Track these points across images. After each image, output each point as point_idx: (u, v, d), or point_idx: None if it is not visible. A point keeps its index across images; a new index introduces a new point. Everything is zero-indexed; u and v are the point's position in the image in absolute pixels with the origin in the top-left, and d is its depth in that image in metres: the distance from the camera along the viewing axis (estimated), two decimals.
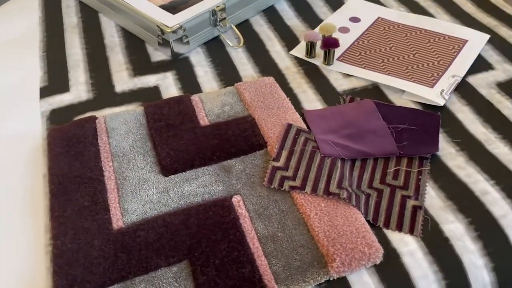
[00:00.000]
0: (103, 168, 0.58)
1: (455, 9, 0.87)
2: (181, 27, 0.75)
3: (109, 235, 0.51)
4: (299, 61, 0.77)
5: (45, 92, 0.72)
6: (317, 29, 0.80)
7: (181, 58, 0.78)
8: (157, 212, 0.54)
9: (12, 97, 0.71)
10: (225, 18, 0.80)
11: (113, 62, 0.77)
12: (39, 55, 0.79)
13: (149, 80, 0.74)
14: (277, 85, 0.70)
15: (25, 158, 0.62)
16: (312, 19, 0.86)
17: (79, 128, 0.63)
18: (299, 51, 0.79)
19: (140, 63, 0.77)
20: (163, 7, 0.79)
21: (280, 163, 0.58)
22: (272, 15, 0.87)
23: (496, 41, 0.79)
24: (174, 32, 0.74)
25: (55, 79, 0.74)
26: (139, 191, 0.56)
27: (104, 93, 0.72)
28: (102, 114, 0.68)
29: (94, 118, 0.65)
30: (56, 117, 0.68)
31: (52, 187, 0.56)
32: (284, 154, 0.59)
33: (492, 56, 0.77)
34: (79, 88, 0.72)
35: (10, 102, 0.71)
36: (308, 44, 0.76)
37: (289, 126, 0.63)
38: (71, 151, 0.60)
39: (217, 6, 0.78)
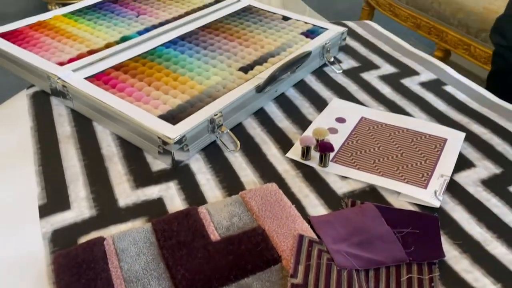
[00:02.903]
0: None
1: (428, 107, 0.95)
2: (183, 137, 0.77)
3: None
4: (295, 164, 0.80)
5: (45, 211, 0.70)
6: (310, 133, 0.85)
7: (181, 166, 0.79)
8: None
9: (9, 217, 0.69)
10: (222, 125, 0.83)
11: (113, 173, 0.77)
12: (34, 169, 0.77)
13: (152, 192, 0.74)
14: (281, 192, 0.72)
15: (28, 286, 0.59)
16: (300, 121, 0.91)
17: (88, 252, 0.61)
18: (295, 153, 0.83)
19: (141, 173, 0.77)
20: (162, 117, 0.81)
21: (298, 279, 0.58)
22: (263, 117, 0.92)
23: (471, 138, 0.87)
24: (176, 143, 0.76)
25: (54, 195, 0.73)
26: None
27: (107, 208, 0.71)
28: (108, 232, 0.66)
29: (102, 240, 0.63)
30: (59, 238, 0.66)
31: None
32: (301, 269, 0.60)
33: (471, 153, 0.83)
34: (81, 205, 0.71)
35: (7, 222, 0.68)
36: (304, 148, 0.80)
37: (301, 237, 0.64)
38: (82, 279, 0.58)
39: (215, 115, 0.81)
